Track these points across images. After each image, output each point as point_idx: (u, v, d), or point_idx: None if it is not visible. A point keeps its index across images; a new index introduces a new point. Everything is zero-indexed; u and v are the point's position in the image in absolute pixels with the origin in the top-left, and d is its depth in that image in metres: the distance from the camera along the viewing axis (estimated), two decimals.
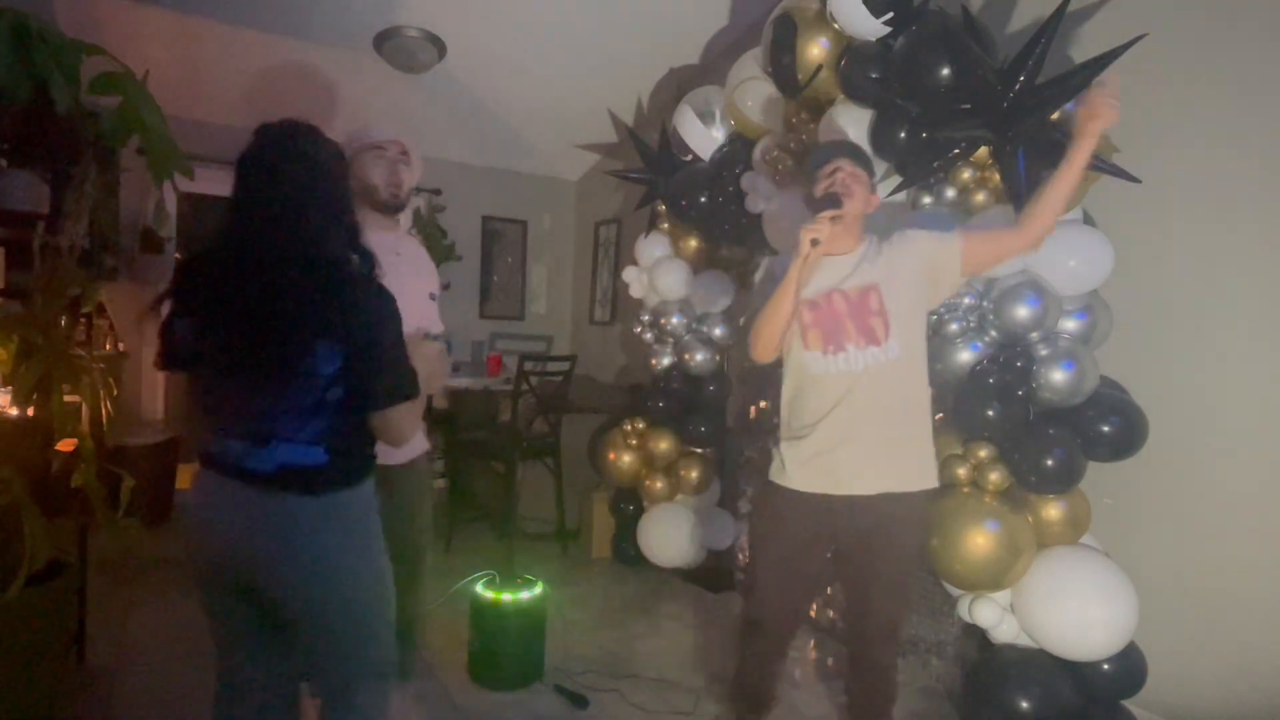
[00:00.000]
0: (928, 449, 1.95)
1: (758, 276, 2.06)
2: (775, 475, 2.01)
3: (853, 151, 1.94)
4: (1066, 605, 2.15)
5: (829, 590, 3.14)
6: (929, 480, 1.95)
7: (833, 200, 1.81)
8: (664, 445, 3.72)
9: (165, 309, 1.44)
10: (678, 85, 4.26)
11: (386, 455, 1.60)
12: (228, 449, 1.37)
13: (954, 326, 2.31)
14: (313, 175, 1.38)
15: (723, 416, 3.86)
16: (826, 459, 1.90)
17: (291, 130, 1.41)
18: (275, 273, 1.32)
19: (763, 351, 1.90)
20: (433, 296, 2.15)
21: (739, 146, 3.26)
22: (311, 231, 1.35)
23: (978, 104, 2.19)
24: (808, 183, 1.95)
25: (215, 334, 1.36)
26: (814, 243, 1.75)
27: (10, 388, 2.21)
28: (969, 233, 1.93)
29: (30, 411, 2.24)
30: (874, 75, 2.48)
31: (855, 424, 1.88)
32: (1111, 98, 1.74)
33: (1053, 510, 2.23)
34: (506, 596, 2.59)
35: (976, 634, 2.42)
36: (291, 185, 1.36)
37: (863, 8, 2.42)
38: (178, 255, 4.69)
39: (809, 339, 1.91)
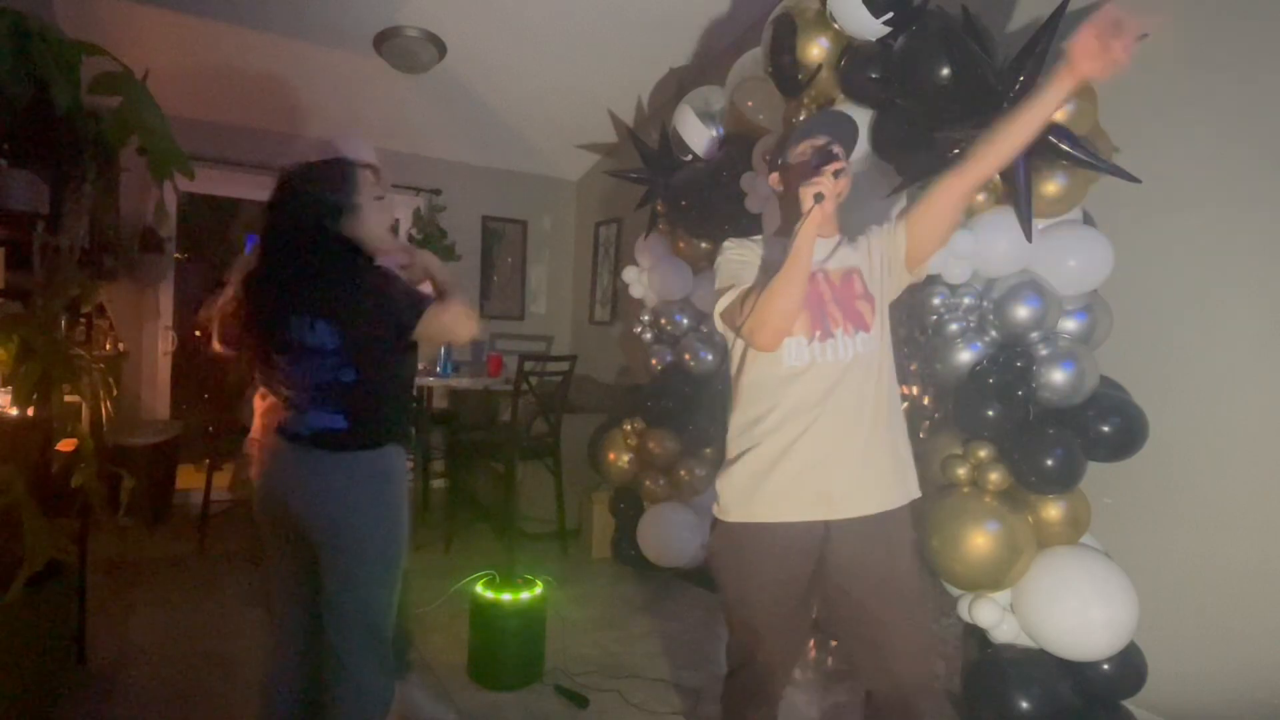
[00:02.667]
0: (908, 453, 1.76)
1: (721, 260, 1.76)
2: (736, 511, 1.70)
3: (837, 127, 1.72)
4: (1066, 605, 2.15)
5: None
6: (914, 489, 1.74)
7: (825, 156, 1.62)
8: (664, 445, 3.73)
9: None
10: (678, 85, 4.26)
11: None
12: (283, 417, 1.74)
13: (954, 326, 2.31)
14: (317, 213, 1.68)
15: (723, 416, 3.85)
16: (816, 477, 1.64)
17: (303, 174, 1.72)
18: (289, 276, 1.67)
19: (772, 337, 1.61)
20: None
21: (739, 146, 3.26)
22: (322, 250, 1.67)
23: (978, 104, 2.19)
24: (785, 153, 1.75)
25: (254, 324, 1.74)
26: (818, 198, 1.53)
27: (10, 388, 2.21)
28: (905, 211, 1.76)
29: (30, 411, 2.24)
30: (874, 75, 2.48)
31: (846, 429, 1.65)
32: (1109, 39, 1.39)
33: (1053, 510, 2.23)
34: (506, 596, 2.59)
35: (976, 634, 2.41)
36: (302, 222, 1.68)
37: (863, 8, 2.42)
38: (178, 255, 4.70)
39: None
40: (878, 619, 1.66)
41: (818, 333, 1.65)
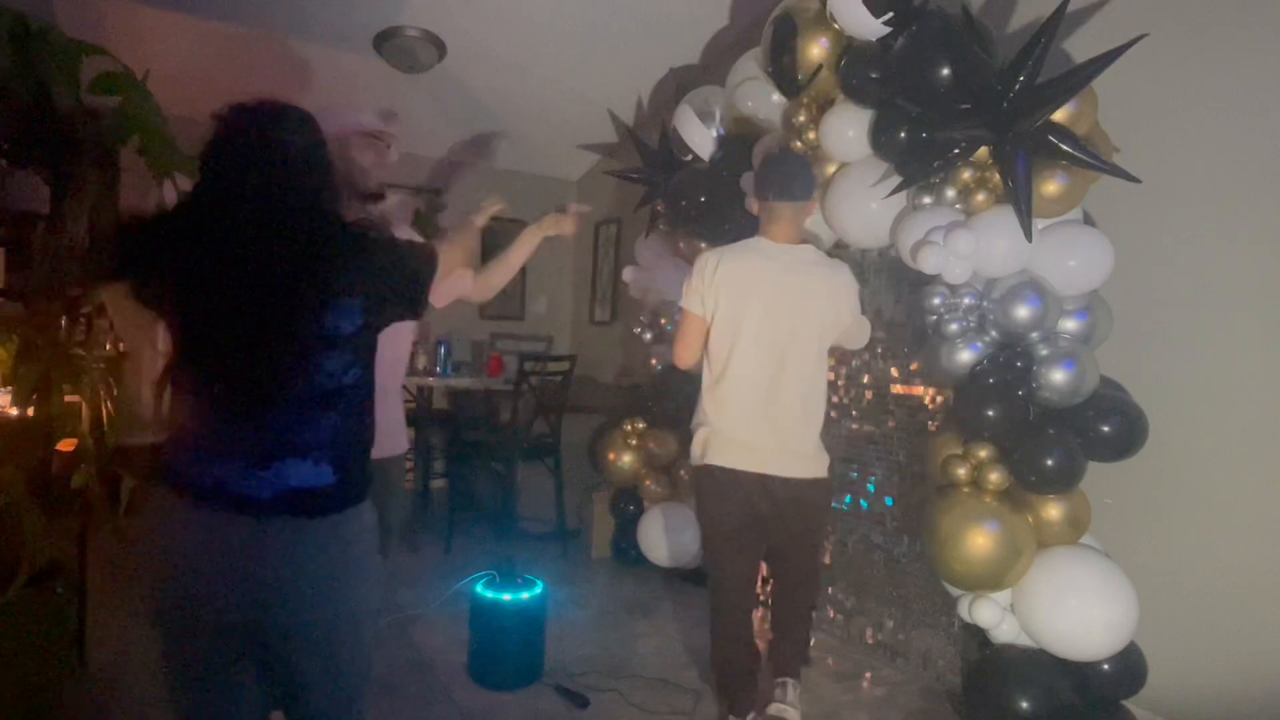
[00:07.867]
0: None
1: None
2: None
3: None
4: (1066, 605, 2.15)
5: (829, 589, 3.15)
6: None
7: None
8: (664, 445, 3.72)
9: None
10: (678, 85, 4.25)
11: None
12: (212, 471, 1.18)
13: (954, 326, 2.31)
14: (294, 171, 1.27)
15: None
16: None
17: (270, 117, 1.31)
18: (281, 226, 1.19)
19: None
20: None
21: (739, 146, 3.26)
22: (306, 198, 1.26)
23: (978, 104, 2.18)
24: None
25: (208, 300, 1.19)
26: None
27: (10, 388, 2.21)
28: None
29: (30, 411, 2.24)
30: (874, 75, 2.48)
31: None
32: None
33: (1053, 510, 2.23)
34: (506, 596, 2.59)
35: (976, 634, 2.42)
36: (272, 179, 1.25)
37: (863, 8, 2.42)
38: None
39: None
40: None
41: None
